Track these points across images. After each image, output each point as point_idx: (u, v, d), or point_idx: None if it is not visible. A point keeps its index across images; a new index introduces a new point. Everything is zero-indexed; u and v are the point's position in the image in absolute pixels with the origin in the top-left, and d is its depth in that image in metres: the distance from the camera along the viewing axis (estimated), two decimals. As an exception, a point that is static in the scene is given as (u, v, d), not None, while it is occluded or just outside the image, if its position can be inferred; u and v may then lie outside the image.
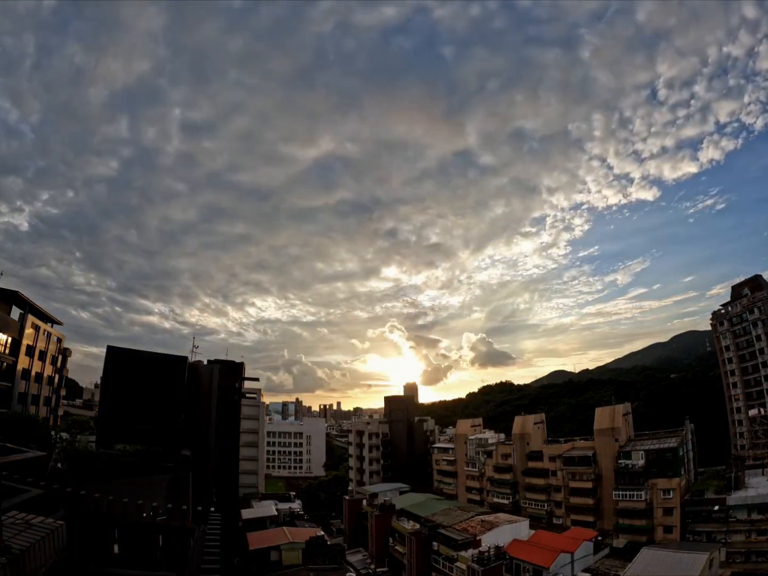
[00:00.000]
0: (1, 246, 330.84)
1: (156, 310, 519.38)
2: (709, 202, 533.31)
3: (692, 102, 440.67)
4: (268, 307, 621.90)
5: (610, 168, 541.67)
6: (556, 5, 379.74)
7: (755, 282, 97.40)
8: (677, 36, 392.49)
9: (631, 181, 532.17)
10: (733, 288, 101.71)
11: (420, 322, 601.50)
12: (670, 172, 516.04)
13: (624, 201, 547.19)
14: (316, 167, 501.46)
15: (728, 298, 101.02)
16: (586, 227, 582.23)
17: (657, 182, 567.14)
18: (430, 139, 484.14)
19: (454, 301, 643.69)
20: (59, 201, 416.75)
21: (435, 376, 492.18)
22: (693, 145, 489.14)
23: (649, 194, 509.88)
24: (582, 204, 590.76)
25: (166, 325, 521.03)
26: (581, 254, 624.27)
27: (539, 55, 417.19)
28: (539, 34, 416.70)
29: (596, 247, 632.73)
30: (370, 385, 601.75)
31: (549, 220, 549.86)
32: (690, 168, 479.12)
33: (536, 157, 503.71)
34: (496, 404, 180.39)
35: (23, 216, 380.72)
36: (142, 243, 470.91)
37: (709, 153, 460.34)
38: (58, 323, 68.56)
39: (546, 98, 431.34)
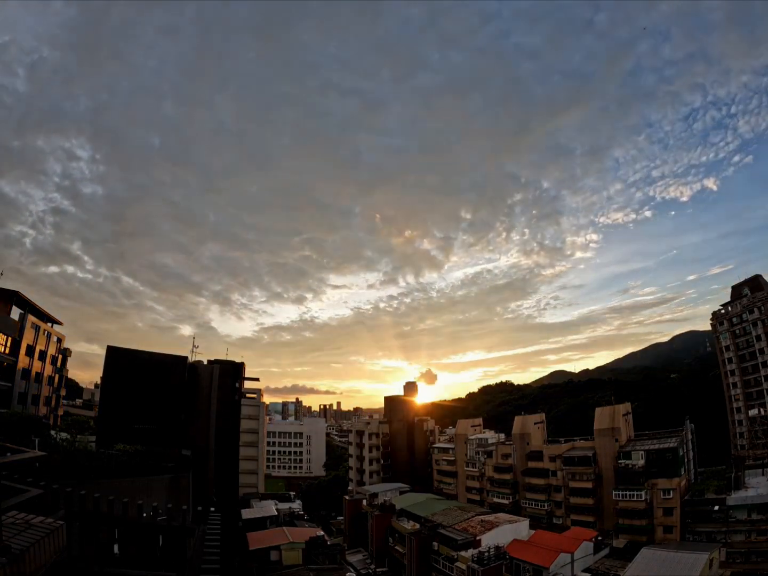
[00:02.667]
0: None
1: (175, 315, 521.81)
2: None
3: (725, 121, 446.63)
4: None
5: (628, 187, 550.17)
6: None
7: (755, 282, 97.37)
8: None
9: (642, 202, 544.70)
10: (733, 288, 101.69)
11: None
12: (680, 192, 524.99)
13: (633, 218, 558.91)
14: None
15: (728, 298, 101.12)
16: (598, 244, 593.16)
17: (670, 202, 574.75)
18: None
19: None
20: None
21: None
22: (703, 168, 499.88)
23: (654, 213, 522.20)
24: (597, 222, 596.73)
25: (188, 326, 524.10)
26: (584, 256, 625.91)
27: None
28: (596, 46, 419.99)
29: (602, 250, 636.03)
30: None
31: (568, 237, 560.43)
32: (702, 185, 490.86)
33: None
34: (496, 404, 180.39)
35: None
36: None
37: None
38: (59, 323, 68.55)
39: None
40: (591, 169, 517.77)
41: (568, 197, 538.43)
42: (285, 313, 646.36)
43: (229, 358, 61.42)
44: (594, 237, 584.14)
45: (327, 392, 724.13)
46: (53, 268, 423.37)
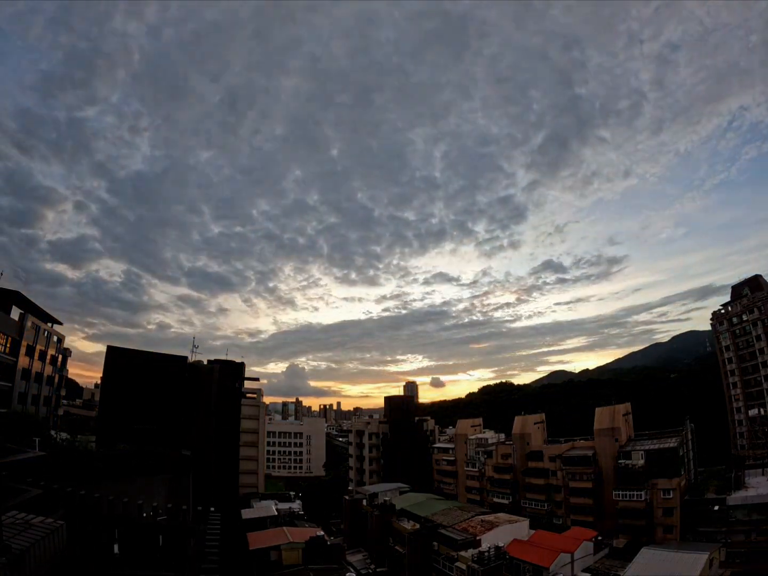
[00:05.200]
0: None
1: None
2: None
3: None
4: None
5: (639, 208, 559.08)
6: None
7: (755, 282, 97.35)
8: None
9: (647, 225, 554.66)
10: (733, 288, 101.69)
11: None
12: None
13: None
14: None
15: (728, 298, 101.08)
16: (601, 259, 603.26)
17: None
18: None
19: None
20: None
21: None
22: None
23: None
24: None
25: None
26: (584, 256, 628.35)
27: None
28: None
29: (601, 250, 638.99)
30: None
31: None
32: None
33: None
34: (496, 404, 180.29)
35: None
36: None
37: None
38: (59, 323, 68.54)
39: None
40: (606, 188, 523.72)
41: (579, 219, 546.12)
42: (292, 315, 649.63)
43: (230, 357, 61.61)
44: (602, 253, 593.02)
45: (328, 393, 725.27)
46: (74, 269, 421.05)
